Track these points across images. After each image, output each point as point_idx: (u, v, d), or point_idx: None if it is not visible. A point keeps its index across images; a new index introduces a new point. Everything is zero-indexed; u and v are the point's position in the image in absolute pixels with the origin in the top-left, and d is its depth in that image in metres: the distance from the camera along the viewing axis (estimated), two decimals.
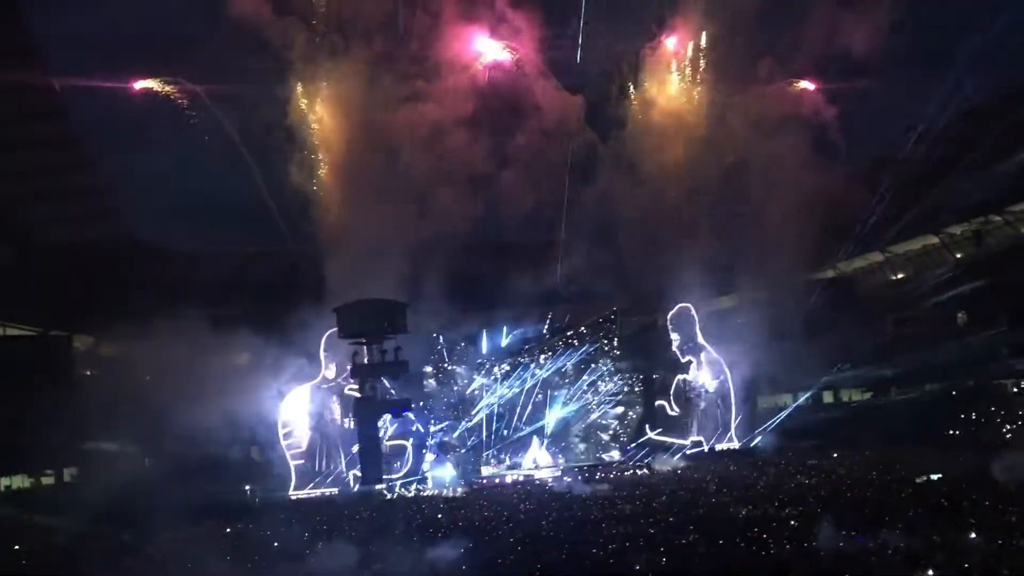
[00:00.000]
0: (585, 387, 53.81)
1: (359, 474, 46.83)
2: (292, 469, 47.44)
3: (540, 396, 53.45)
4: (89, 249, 50.32)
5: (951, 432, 46.18)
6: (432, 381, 52.10)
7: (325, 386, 48.68)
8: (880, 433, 47.47)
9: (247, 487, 45.14)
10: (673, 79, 53.06)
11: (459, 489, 45.34)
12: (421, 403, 50.20)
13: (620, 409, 54.03)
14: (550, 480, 45.98)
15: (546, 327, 53.24)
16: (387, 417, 47.75)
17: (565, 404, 53.58)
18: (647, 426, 52.67)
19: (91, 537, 31.90)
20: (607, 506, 32.76)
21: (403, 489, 46.03)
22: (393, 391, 47.92)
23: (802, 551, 21.85)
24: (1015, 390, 49.08)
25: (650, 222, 50.90)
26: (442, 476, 48.52)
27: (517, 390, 52.61)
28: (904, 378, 53.07)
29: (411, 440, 48.62)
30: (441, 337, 51.34)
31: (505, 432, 52.29)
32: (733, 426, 52.42)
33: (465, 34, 49.72)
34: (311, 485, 47.51)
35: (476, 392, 51.90)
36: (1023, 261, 51.10)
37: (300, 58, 49.07)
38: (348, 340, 47.19)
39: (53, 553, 30.12)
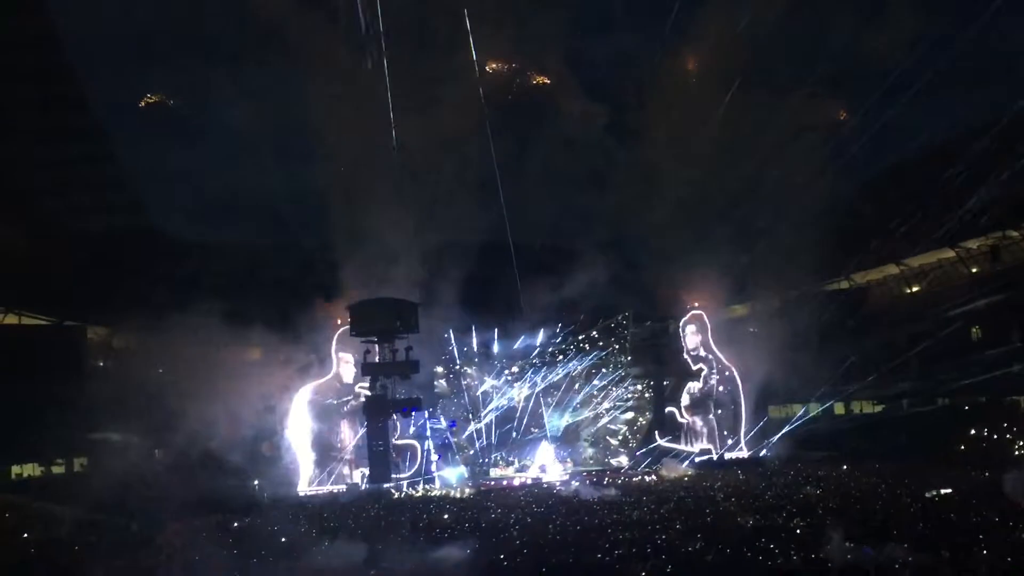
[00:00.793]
0: (595, 392, 53.84)
1: (367, 472, 46.93)
2: (300, 466, 47.65)
3: (550, 400, 53.57)
4: (105, 240, 50.54)
5: (962, 447, 45.86)
6: (443, 382, 52.23)
7: (339, 385, 48.93)
8: (891, 446, 47.31)
9: (255, 482, 45.29)
10: (690, 86, 53.05)
11: (467, 490, 45.38)
12: (431, 403, 50.33)
13: (630, 415, 54.12)
14: (558, 484, 45.97)
15: (557, 331, 53.23)
16: (396, 416, 47.93)
17: (575, 408, 53.66)
18: (656, 432, 52.71)
19: (100, 527, 32.01)
20: (614, 511, 32.70)
21: (411, 489, 46.13)
22: (403, 390, 48.02)
23: (810, 562, 21.80)
24: None
25: (664, 229, 50.82)
26: (450, 477, 48.60)
27: (527, 393, 52.73)
28: (916, 392, 52.82)
29: (420, 440, 48.81)
30: (452, 338, 51.43)
31: (514, 435, 52.41)
32: (743, 435, 52.33)
33: (488, 38, 49.69)
34: (319, 482, 47.72)
35: (486, 394, 51.99)
36: None
37: (322, 54, 49.13)
38: (360, 338, 47.38)
39: (61, 542, 30.23)
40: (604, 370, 53.74)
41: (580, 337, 53.49)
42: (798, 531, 25.63)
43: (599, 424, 54.18)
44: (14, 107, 40.10)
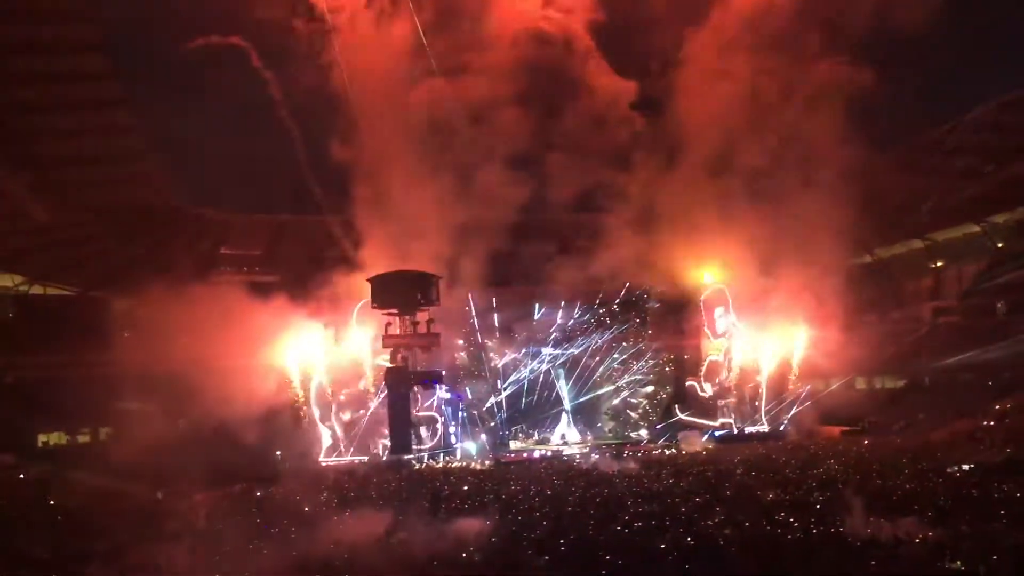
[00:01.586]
0: (616, 366, 53.84)
1: (388, 443, 47.24)
2: (322, 436, 48.03)
3: (570, 373, 53.64)
4: (129, 212, 50.84)
5: (984, 423, 45.65)
6: (463, 354, 52.35)
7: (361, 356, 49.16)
8: (912, 421, 47.19)
9: (277, 452, 45.67)
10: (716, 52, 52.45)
11: (487, 462, 45.60)
12: (452, 376, 50.50)
13: (650, 388, 54.11)
14: (578, 456, 46.09)
15: (578, 305, 53.17)
16: (417, 388, 48.12)
17: (595, 382, 53.69)
18: (676, 406, 52.66)
19: (125, 495, 32.39)
20: (634, 484, 32.74)
21: (431, 460, 46.40)
22: (424, 363, 48.15)
23: (829, 535, 21.78)
24: None
25: (688, 202, 50.53)
26: (470, 449, 48.87)
27: (548, 366, 52.80)
28: (938, 366, 52.56)
29: (441, 412, 49.06)
30: (474, 311, 51.49)
31: (534, 408, 52.54)
32: (763, 409, 52.27)
33: (516, 9, 49.26)
34: (340, 453, 48.10)
35: (507, 367, 52.11)
36: None
37: (347, 22, 49.01)
38: (381, 311, 47.54)
39: (87, 510, 30.61)
40: (624, 344, 53.71)
41: (601, 311, 53.39)
42: (818, 505, 25.58)
43: (619, 398, 54.21)
44: (38, 79, 40.17)
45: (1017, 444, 34.97)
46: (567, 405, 53.12)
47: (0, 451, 40.81)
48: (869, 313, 55.29)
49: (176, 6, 47.34)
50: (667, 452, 46.75)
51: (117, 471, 35.65)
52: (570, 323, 53.40)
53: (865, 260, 58.13)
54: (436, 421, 48.71)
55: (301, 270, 53.54)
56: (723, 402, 52.39)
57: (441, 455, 47.34)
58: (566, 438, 51.96)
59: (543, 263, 52.78)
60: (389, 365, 47.54)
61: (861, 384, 55.52)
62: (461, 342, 52.40)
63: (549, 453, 48.95)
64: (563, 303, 53.16)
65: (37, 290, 55.55)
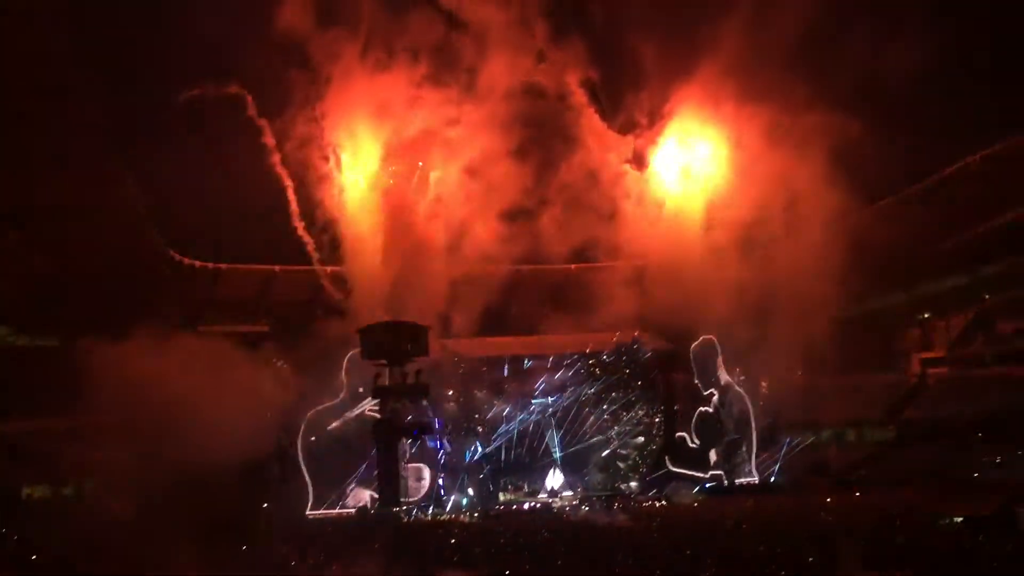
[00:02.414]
0: (605, 416, 53.61)
1: (377, 496, 46.80)
2: (310, 488, 47.58)
3: (560, 424, 53.37)
4: (115, 262, 50.77)
5: (975, 475, 45.57)
6: (452, 405, 52.09)
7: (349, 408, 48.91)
8: (903, 473, 47.04)
9: (264, 505, 45.19)
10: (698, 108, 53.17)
11: (476, 514, 45.20)
12: (441, 427, 50.22)
13: (640, 440, 53.77)
14: (567, 509, 45.73)
15: (568, 355, 53.08)
16: (407, 440, 47.80)
17: (585, 433, 53.42)
18: (667, 458, 52.37)
19: (109, 549, 31.92)
20: (624, 537, 32.48)
21: (420, 513, 45.92)
22: (413, 414, 47.88)
23: None
24: None
25: (676, 254, 50.85)
26: (460, 501, 48.46)
27: (537, 417, 52.53)
28: (927, 419, 52.58)
29: (430, 464, 48.68)
30: (462, 362, 51.34)
31: (524, 459, 52.18)
32: (754, 461, 52.05)
33: (511, 62, 49.80)
34: (328, 505, 47.62)
35: (496, 418, 51.82)
36: None
37: (341, 73, 49.41)
38: (370, 361, 47.36)
39: (69, 565, 30.14)
40: (615, 394, 53.54)
41: (591, 362, 53.30)
42: (811, 559, 25.38)
43: (609, 449, 53.89)
44: (25, 125, 40.45)
45: (1009, 496, 34.82)
46: (557, 456, 52.77)
47: None
48: (859, 364, 55.32)
49: (167, 55, 47.74)
50: (657, 504, 46.43)
51: (100, 524, 35.19)
52: (559, 374, 53.21)
53: (853, 312, 58.27)
54: (425, 473, 48.34)
55: (290, 320, 53.43)
56: (713, 454, 52.20)
57: (430, 507, 46.90)
58: (555, 490, 51.55)
59: (534, 314, 52.83)
60: (378, 417, 47.27)
61: (851, 436, 55.44)
62: (450, 392, 52.13)
63: (539, 505, 48.56)
64: (553, 354, 53.02)
65: (23, 341, 55.16)
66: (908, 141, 47.70)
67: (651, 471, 52.40)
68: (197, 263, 56.00)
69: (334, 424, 48.73)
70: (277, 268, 58.21)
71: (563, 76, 50.85)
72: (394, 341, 46.99)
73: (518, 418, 51.76)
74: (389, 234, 48.92)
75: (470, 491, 49.82)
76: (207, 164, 49.72)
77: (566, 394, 52.63)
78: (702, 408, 52.59)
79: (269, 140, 48.19)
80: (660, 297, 50.49)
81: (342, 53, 48.71)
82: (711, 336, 52.44)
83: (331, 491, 48.03)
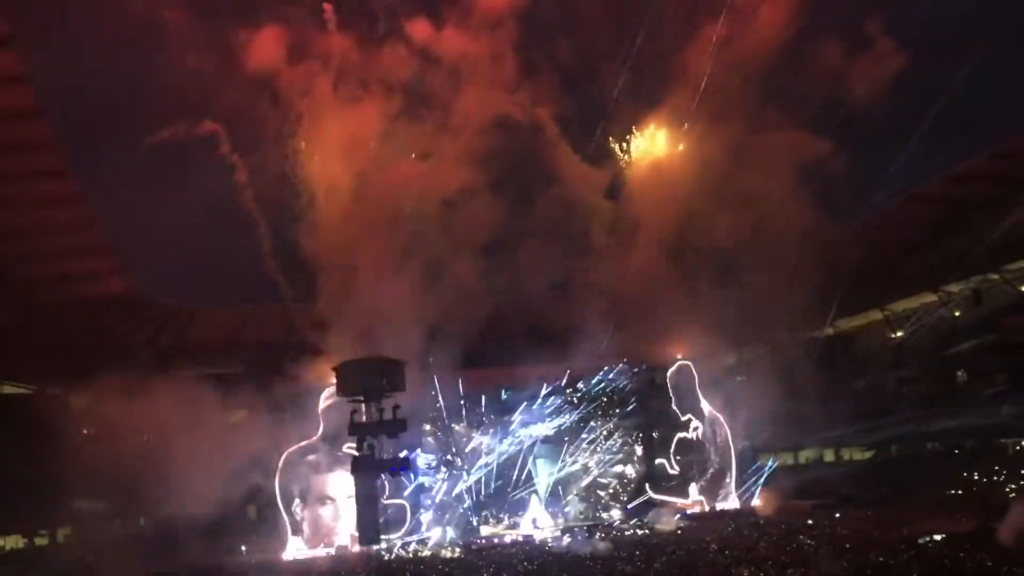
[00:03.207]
0: (585, 445, 53.55)
1: (356, 534, 46.39)
2: (288, 529, 47.10)
3: (539, 454, 53.24)
4: (87, 306, 50.36)
5: (953, 492, 45.84)
6: (431, 439, 51.84)
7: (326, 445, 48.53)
8: (882, 492, 47.23)
9: (242, 547, 44.67)
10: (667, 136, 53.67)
11: (457, 549, 44.90)
12: (419, 462, 49.93)
13: (620, 467, 53.77)
14: (549, 540, 45.51)
15: (546, 385, 53.05)
16: (385, 476, 47.47)
17: (565, 462, 53.31)
18: (647, 485, 52.35)
19: None
20: (607, 567, 32.37)
21: (401, 549, 45.58)
22: (391, 450, 47.59)
23: None
24: (1017, 449, 48.67)
25: (651, 279, 51.05)
26: (441, 535, 48.10)
27: (516, 448, 52.36)
28: (904, 437, 52.88)
29: (409, 499, 48.38)
30: (440, 395, 51.18)
31: (504, 491, 51.96)
32: (733, 485, 52.09)
33: (485, 96, 50.02)
34: (308, 545, 47.12)
35: (475, 450, 51.61)
36: (1021, 319, 51.21)
37: (314, 108, 49.42)
38: (347, 398, 47.08)
39: None
40: (593, 423, 53.48)
41: (569, 391, 53.28)
42: None
43: (589, 478, 53.77)
44: None
45: (987, 513, 35.00)
46: (537, 487, 52.58)
47: None
48: (834, 385, 55.61)
49: (135, 93, 47.65)
50: (639, 532, 46.31)
51: (76, 574, 34.70)
52: (538, 405, 53.11)
53: (827, 332, 58.70)
54: (405, 509, 48.02)
55: (265, 359, 53.08)
56: (693, 479, 52.24)
57: (411, 543, 46.56)
58: (537, 522, 51.28)
59: (512, 345, 52.77)
60: (355, 454, 46.94)
61: (830, 456, 55.62)
62: (428, 427, 51.88)
63: (521, 537, 48.30)
64: (532, 385, 52.95)
65: None
66: (876, 161, 48.45)
67: (632, 499, 52.36)
68: (169, 305, 55.70)
69: (311, 462, 48.33)
70: (251, 308, 58.12)
71: (534, 110, 51.00)
72: (370, 377, 46.75)
73: (497, 450, 51.61)
74: (364, 269, 48.64)
75: (451, 525, 49.47)
76: (178, 203, 49.54)
77: (545, 424, 52.58)
78: (681, 434, 52.64)
79: (241, 177, 47.93)
80: (636, 324, 50.64)
81: (314, 88, 48.86)
82: (687, 362, 52.64)
83: (309, 531, 47.59)
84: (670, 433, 52.86)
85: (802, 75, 46.82)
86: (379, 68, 49.11)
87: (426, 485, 49.91)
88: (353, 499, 46.45)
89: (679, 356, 52.79)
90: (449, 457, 51.47)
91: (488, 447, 51.67)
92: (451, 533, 48.70)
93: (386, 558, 43.47)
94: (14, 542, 46.66)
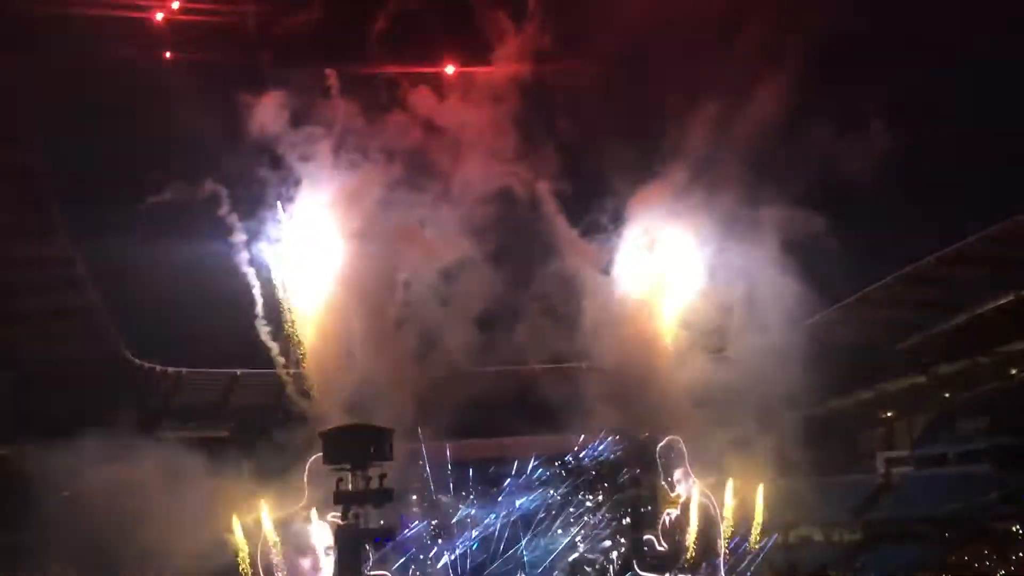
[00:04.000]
0: (571, 519, 52.95)
1: None
2: None
3: (525, 528, 52.60)
4: (70, 367, 49.92)
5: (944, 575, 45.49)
6: (417, 510, 51.23)
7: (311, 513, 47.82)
8: (871, 574, 46.85)
9: None
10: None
11: None
12: (405, 532, 49.25)
13: (607, 543, 53.09)
14: None
15: (534, 457, 52.66)
16: (369, 546, 46.68)
17: (551, 537, 52.67)
18: (634, 561, 51.64)
19: None
20: None
21: None
22: (377, 519, 46.89)
23: None
24: (1011, 531, 48.39)
25: (640, 355, 51.04)
26: None
27: (502, 522, 51.76)
28: (895, 518, 52.61)
29: (394, 570, 47.51)
30: (427, 466, 50.68)
31: (490, 564, 51.22)
32: (722, 563, 51.43)
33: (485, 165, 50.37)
34: None
35: (462, 522, 50.98)
36: (1011, 402, 51.41)
37: (313, 173, 49.42)
38: (332, 466, 46.47)
39: None
40: (581, 496, 52.96)
41: (557, 464, 52.86)
42: None
43: (576, 553, 53.04)
44: None
45: None
46: (524, 561, 51.84)
47: None
48: (824, 464, 55.44)
49: (127, 155, 47.75)
50: None
51: None
52: (525, 477, 52.66)
53: (818, 411, 58.59)
54: None
55: (252, 425, 52.60)
56: (682, 556, 51.57)
57: None
58: None
59: (500, 416, 52.47)
60: (340, 523, 46.19)
61: (819, 536, 55.16)
62: (414, 497, 51.27)
63: None
64: (519, 457, 52.52)
65: None
66: (868, 240, 48.80)
67: (619, 574, 51.61)
68: (157, 367, 55.28)
69: (296, 530, 47.57)
70: (239, 372, 57.69)
71: (533, 185, 51.33)
72: (357, 445, 46.19)
73: (484, 522, 51.00)
74: (355, 337, 48.47)
75: None
76: (169, 265, 49.40)
77: (532, 497, 52.06)
78: (669, 510, 52.10)
79: (238, 239, 47.94)
80: (625, 398, 50.45)
81: (314, 153, 49.05)
82: (676, 437, 52.29)
83: None
84: (658, 508, 52.33)
85: (798, 152, 47.27)
86: (380, 136, 49.41)
87: (412, 557, 49.10)
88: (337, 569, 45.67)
89: (669, 431, 52.45)
90: (435, 529, 50.80)
91: (475, 519, 51.04)
92: None
93: None
94: None
